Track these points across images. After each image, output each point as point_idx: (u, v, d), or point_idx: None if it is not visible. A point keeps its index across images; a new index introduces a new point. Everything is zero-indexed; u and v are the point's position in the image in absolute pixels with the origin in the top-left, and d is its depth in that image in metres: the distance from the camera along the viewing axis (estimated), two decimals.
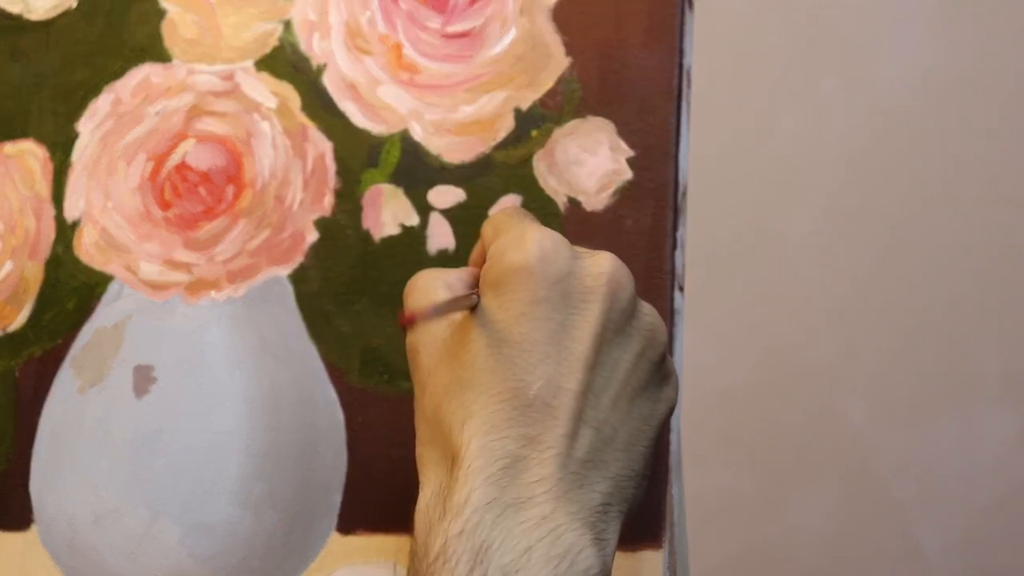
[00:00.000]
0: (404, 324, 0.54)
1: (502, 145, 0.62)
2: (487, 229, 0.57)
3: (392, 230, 0.62)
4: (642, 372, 0.54)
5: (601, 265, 0.53)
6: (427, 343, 0.54)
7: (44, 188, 0.66)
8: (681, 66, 0.61)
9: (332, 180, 0.63)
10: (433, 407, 0.53)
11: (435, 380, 0.54)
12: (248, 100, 0.64)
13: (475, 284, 0.55)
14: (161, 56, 0.65)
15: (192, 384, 0.63)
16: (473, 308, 0.54)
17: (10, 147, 0.66)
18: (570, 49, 0.62)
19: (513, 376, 0.52)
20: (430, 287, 0.55)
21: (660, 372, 0.55)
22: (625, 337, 0.53)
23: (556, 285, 0.52)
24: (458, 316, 0.54)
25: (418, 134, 0.62)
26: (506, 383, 0.52)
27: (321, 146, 0.63)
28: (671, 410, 0.56)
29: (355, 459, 0.61)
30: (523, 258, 0.52)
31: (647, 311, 0.54)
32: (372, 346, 0.62)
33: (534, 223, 0.56)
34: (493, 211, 0.61)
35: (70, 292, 0.65)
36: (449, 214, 0.62)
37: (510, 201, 0.61)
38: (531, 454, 0.51)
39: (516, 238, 0.53)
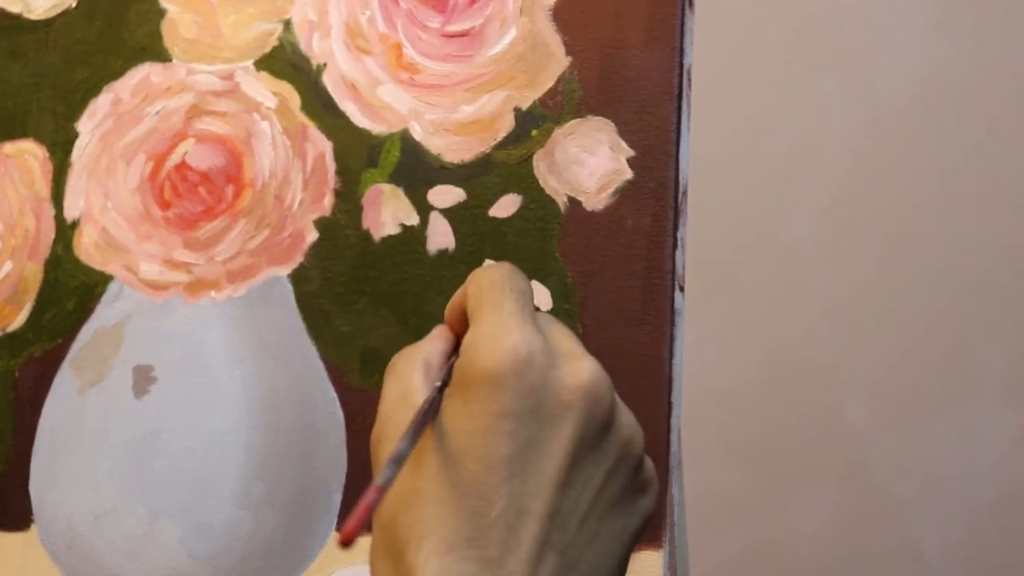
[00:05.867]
0: (345, 539, 0.44)
1: (502, 145, 0.62)
2: (470, 289, 0.53)
3: (392, 230, 0.62)
4: (615, 487, 0.51)
5: (579, 377, 0.50)
6: (392, 437, 0.51)
7: (44, 188, 0.66)
8: (681, 66, 0.61)
9: (332, 180, 0.63)
10: (390, 515, 0.50)
11: (395, 484, 0.50)
12: (248, 100, 0.64)
13: (452, 354, 0.53)
14: (161, 56, 0.65)
15: (192, 384, 0.63)
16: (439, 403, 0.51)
17: (10, 147, 0.66)
18: (570, 49, 0.62)
19: (475, 493, 0.48)
20: (407, 374, 0.52)
21: (635, 482, 0.52)
22: (599, 453, 0.50)
23: (528, 399, 0.49)
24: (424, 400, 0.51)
25: (418, 134, 0.62)
26: (467, 500, 0.48)
27: (321, 146, 0.63)
28: (647, 520, 0.52)
29: (355, 459, 0.61)
30: (495, 366, 0.49)
31: (624, 422, 0.51)
32: (372, 346, 0.62)
33: (513, 315, 0.51)
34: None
35: (70, 292, 0.64)
36: (449, 214, 0.62)
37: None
38: None
39: (492, 337, 0.50)
